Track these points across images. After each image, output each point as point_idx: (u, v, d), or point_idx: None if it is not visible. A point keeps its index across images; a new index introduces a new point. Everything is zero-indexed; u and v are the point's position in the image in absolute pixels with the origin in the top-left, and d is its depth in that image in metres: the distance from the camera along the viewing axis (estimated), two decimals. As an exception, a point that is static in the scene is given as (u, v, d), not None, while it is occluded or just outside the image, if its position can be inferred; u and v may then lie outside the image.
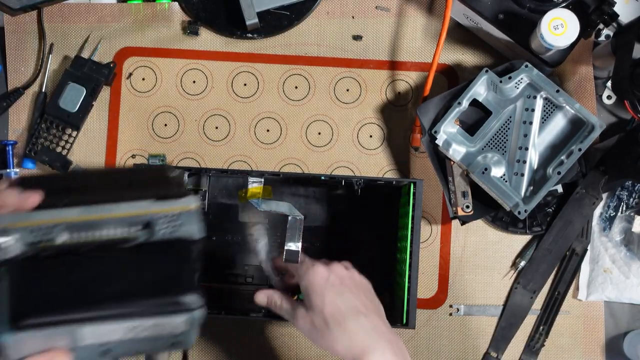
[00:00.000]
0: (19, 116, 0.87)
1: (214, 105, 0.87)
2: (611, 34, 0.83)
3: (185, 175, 0.77)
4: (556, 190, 0.81)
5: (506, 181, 0.75)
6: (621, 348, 0.81)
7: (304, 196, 0.84)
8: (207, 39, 0.87)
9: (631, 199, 0.82)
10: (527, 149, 0.74)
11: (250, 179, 0.76)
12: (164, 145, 0.86)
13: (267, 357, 0.83)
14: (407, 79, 0.86)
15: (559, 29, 0.71)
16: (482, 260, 0.84)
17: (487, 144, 0.76)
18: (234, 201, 0.83)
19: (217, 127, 0.86)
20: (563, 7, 0.73)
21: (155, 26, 0.87)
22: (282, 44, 0.87)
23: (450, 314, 0.83)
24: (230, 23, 0.86)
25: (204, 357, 0.83)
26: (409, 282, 0.73)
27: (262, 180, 0.76)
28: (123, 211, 0.49)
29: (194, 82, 0.87)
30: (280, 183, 0.82)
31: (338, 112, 0.86)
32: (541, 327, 0.82)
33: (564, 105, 0.74)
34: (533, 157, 0.75)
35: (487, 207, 0.78)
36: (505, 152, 0.76)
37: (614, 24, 0.80)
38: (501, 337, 0.82)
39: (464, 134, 0.77)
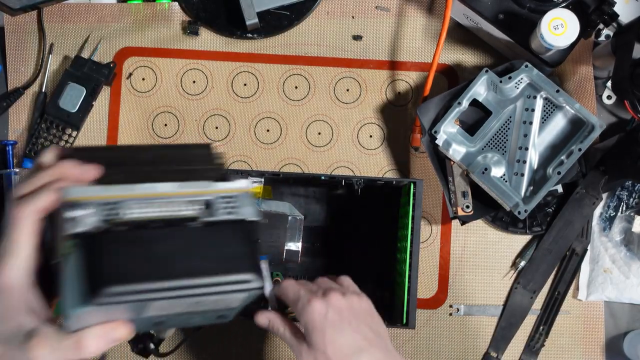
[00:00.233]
0: (19, 116, 0.87)
1: (214, 105, 0.87)
2: (611, 34, 0.83)
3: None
4: (556, 190, 0.81)
5: (506, 181, 0.75)
6: (621, 348, 0.81)
7: (304, 196, 0.84)
8: (207, 39, 0.87)
9: (631, 199, 0.82)
10: (527, 149, 0.74)
11: (250, 179, 0.76)
12: (164, 145, 0.86)
13: (267, 357, 0.83)
14: (407, 79, 0.86)
15: (559, 29, 0.71)
16: (482, 260, 0.84)
17: (487, 144, 0.76)
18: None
19: (217, 127, 0.86)
20: (563, 7, 0.73)
21: (155, 26, 0.87)
22: (282, 44, 0.87)
23: (450, 314, 0.83)
24: (230, 23, 0.86)
25: (204, 357, 0.83)
26: (409, 282, 0.73)
27: (262, 180, 0.76)
28: (187, 189, 0.50)
29: (194, 82, 0.87)
30: (280, 183, 0.82)
31: (338, 112, 0.86)
32: (541, 327, 0.82)
33: (564, 105, 0.74)
34: (533, 157, 0.75)
35: (487, 207, 0.78)
36: (505, 152, 0.76)
37: (614, 24, 0.80)
38: (501, 337, 0.82)
39: (464, 134, 0.77)
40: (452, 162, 0.77)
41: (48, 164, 0.50)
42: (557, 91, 0.73)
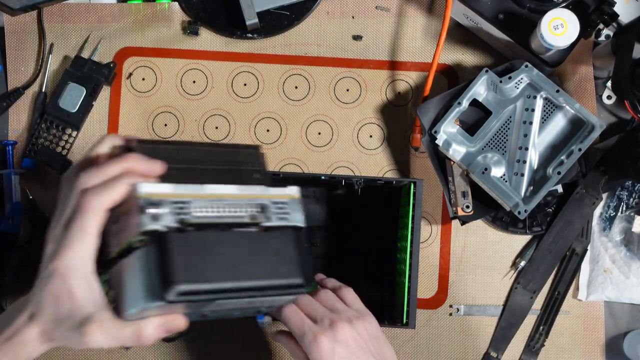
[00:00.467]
0: (19, 116, 0.87)
1: (214, 105, 0.87)
2: (611, 34, 0.83)
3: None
4: (556, 190, 0.81)
5: (506, 181, 0.75)
6: (621, 348, 0.81)
7: (304, 196, 0.83)
8: (207, 39, 0.87)
9: (631, 199, 0.82)
10: (527, 149, 0.74)
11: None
12: (164, 145, 0.86)
13: (267, 357, 0.83)
14: (407, 79, 0.86)
15: (559, 29, 0.71)
16: (482, 260, 0.84)
17: (487, 144, 0.76)
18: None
19: (217, 127, 0.86)
20: (563, 7, 0.73)
21: (155, 26, 0.87)
22: (282, 44, 0.87)
23: (450, 314, 0.83)
24: (230, 23, 0.86)
25: (204, 358, 0.83)
26: (409, 282, 0.73)
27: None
28: (246, 192, 0.53)
29: (194, 82, 0.87)
30: (280, 183, 0.82)
31: (338, 112, 0.86)
32: (541, 327, 0.82)
33: (564, 105, 0.74)
34: (533, 157, 0.75)
35: (487, 207, 0.78)
36: (505, 152, 0.76)
37: (614, 24, 0.80)
38: (501, 337, 0.82)
39: (464, 134, 0.77)
40: (452, 162, 0.77)
41: (111, 154, 0.53)
42: (557, 91, 0.73)
